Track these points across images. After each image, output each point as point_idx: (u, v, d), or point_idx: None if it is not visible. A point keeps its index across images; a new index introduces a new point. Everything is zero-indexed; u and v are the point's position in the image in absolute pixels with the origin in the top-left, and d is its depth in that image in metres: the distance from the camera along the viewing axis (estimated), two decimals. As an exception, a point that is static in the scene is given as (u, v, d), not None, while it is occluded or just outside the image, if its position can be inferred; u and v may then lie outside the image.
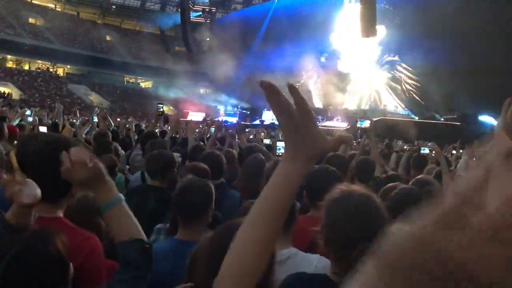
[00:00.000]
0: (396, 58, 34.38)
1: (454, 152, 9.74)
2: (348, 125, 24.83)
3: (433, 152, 5.71)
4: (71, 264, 1.50)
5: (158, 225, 2.89)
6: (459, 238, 0.33)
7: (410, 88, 33.23)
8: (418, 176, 3.71)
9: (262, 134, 8.51)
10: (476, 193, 0.35)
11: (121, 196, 1.61)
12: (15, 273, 1.38)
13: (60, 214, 1.88)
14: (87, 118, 9.43)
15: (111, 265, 1.79)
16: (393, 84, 34.76)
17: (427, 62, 27.65)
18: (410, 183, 3.40)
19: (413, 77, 32.80)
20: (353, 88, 35.39)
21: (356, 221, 1.59)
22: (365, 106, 34.20)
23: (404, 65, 33.74)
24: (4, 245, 1.42)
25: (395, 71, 34.71)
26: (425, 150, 7.28)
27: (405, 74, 33.97)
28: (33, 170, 1.67)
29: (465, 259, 0.32)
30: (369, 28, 29.75)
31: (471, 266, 0.32)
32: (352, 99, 35.00)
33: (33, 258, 1.41)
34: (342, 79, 34.70)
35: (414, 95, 32.67)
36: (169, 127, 7.89)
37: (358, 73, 35.07)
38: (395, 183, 3.17)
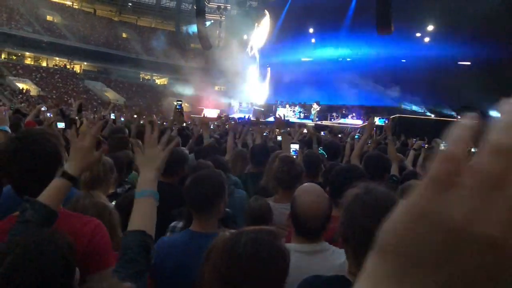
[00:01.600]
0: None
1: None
2: (363, 122, 24.61)
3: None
4: (77, 268, 1.48)
5: (173, 223, 2.89)
6: (455, 199, 0.34)
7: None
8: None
9: (277, 131, 8.48)
10: (459, 155, 0.35)
11: (157, 194, 1.74)
12: (19, 273, 1.34)
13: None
14: (102, 114, 9.50)
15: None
16: None
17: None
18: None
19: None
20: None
21: (375, 219, 1.54)
22: None
23: None
24: (10, 244, 1.40)
25: None
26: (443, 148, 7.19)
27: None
28: (36, 162, 1.77)
29: (467, 219, 0.33)
30: (384, 25, 29.47)
31: (475, 224, 0.33)
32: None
33: (38, 259, 1.38)
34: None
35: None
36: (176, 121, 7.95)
37: None
38: (413, 181, 3.11)
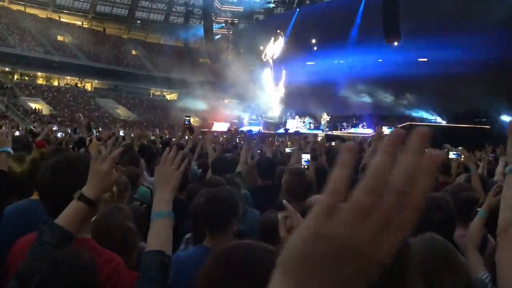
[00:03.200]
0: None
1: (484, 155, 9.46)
2: (374, 131, 24.47)
3: (462, 157, 5.53)
4: None
5: (187, 235, 2.90)
6: (337, 222, 0.44)
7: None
8: (456, 183, 3.61)
9: (289, 143, 8.46)
10: (341, 186, 0.45)
11: (173, 215, 1.78)
12: None
13: (86, 234, 1.89)
14: (112, 132, 9.59)
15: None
16: None
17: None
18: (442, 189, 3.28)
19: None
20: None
21: None
22: None
23: None
24: (36, 265, 1.45)
25: None
26: (455, 156, 7.07)
27: None
28: (57, 190, 1.79)
29: (347, 237, 0.43)
30: (391, 33, 29.50)
31: (352, 240, 0.43)
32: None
33: (65, 278, 1.44)
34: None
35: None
36: (188, 139, 7.99)
37: None
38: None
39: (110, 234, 2.17)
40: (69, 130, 8.30)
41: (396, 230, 0.44)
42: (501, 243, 1.86)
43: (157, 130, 26.64)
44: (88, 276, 1.49)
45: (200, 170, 5.28)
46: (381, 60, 33.49)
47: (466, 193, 3.01)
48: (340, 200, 0.45)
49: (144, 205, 3.93)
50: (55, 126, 8.83)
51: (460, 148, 7.18)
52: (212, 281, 1.28)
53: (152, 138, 10.27)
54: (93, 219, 1.94)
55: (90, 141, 6.38)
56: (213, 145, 6.80)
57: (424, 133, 0.46)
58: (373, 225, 0.43)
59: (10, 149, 2.65)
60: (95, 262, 1.55)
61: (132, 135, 7.35)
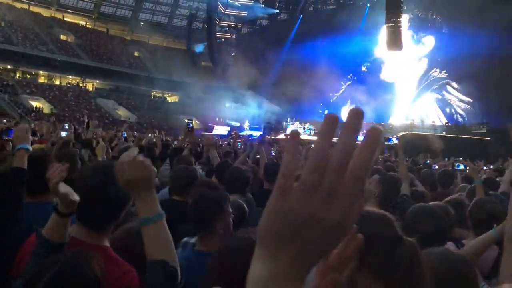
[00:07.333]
0: (444, 75, 32.47)
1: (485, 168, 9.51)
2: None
3: (468, 168, 5.54)
4: None
5: (185, 239, 2.91)
6: (291, 199, 0.52)
7: (460, 111, 31.47)
8: (453, 196, 3.61)
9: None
10: (289, 169, 0.52)
11: (163, 213, 1.59)
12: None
13: (106, 242, 1.90)
14: (114, 133, 9.59)
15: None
16: (442, 105, 32.78)
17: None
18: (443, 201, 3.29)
19: (464, 98, 31.03)
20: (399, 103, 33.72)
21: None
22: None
23: (454, 84, 31.87)
24: (43, 267, 1.46)
25: (444, 91, 32.67)
26: (460, 167, 7.09)
27: (455, 96, 31.97)
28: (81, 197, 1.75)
29: (302, 209, 0.52)
30: (394, 42, 29.62)
31: (307, 210, 0.51)
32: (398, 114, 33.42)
33: (70, 280, 1.44)
34: (386, 90, 33.29)
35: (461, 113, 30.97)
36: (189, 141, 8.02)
37: (403, 86, 33.46)
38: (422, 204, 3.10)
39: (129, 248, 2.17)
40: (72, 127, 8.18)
41: (343, 198, 0.51)
42: (507, 253, 1.87)
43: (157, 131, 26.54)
44: (94, 279, 1.48)
45: (204, 173, 5.31)
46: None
47: (491, 205, 2.95)
48: (291, 181, 0.52)
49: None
50: (65, 128, 8.60)
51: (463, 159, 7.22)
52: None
53: (152, 140, 10.26)
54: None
55: (97, 143, 6.38)
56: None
57: (358, 112, 0.52)
58: (321, 197, 0.51)
59: (29, 146, 2.64)
60: (102, 266, 1.53)
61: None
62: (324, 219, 0.52)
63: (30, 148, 2.69)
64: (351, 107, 0.52)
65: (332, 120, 0.52)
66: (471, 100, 29.71)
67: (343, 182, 0.51)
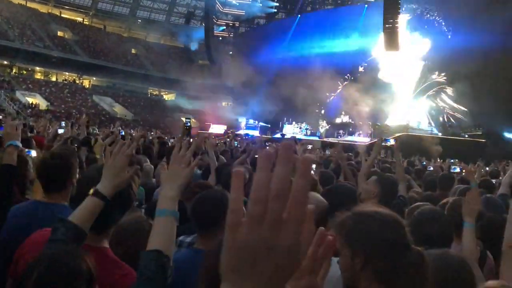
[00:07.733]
0: (442, 78, 31.88)
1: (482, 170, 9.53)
2: (370, 140, 24.52)
3: (464, 171, 5.58)
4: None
5: (181, 237, 2.90)
6: (242, 232, 0.55)
7: (453, 120, 31.06)
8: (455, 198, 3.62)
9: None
10: (236, 206, 0.56)
11: (178, 213, 1.70)
12: (47, 284, 1.43)
13: (105, 244, 1.91)
14: (111, 130, 9.57)
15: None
16: (435, 114, 32.36)
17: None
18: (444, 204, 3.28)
19: (459, 108, 30.44)
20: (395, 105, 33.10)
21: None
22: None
23: (449, 91, 31.30)
24: (35, 260, 1.47)
25: (439, 99, 32.31)
26: (456, 169, 7.10)
27: (449, 105, 31.46)
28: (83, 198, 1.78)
29: (253, 241, 0.54)
30: (391, 42, 29.67)
31: (258, 241, 0.54)
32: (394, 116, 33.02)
33: (62, 272, 1.45)
34: (383, 91, 32.86)
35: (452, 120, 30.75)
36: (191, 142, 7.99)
37: (401, 87, 33.17)
38: (419, 204, 3.11)
39: (122, 242, 2.17)
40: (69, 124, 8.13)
41: (290, 223, 0.54)
42: (506, 258, 1.88)
43: (155, 130, 26.55)
44: (86, 273, 1.48)
45: (200, 172, 5.30)
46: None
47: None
48: (240, 216, 0.55)
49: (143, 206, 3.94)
50: (63, 123, 8.55)
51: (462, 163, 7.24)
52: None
53: (149, 138, 10.27)
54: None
55: (96, 140, 6.35)
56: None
57: (288, 146, 0.56)
58: (268, 225, 0.54)
59: (19, 143, 2.61)
60: (93, 260, 1.54)
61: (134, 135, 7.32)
62: (276, 245, 0.54)
63: (20, 145, 2.67)
64: (283, 142, 0.57)
65: (268, 156, 0.55)
66: (465, 109, 29.45)
67: (286, 208, 0.54)
